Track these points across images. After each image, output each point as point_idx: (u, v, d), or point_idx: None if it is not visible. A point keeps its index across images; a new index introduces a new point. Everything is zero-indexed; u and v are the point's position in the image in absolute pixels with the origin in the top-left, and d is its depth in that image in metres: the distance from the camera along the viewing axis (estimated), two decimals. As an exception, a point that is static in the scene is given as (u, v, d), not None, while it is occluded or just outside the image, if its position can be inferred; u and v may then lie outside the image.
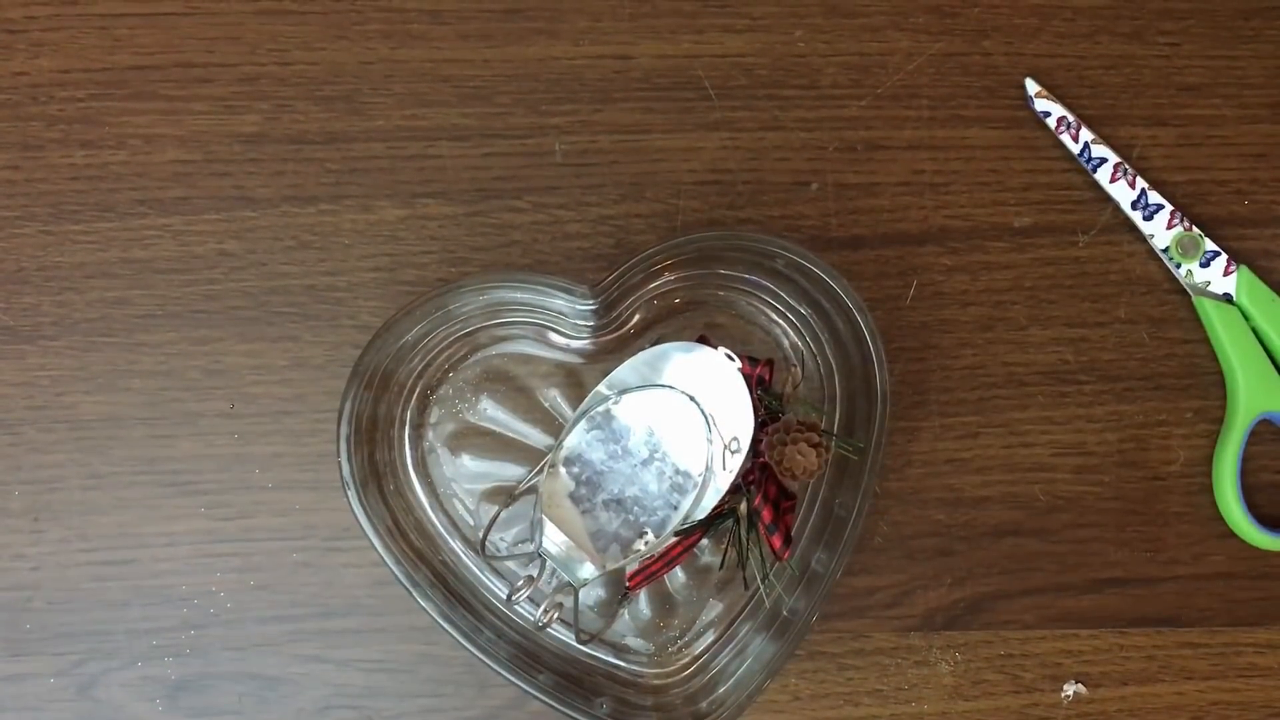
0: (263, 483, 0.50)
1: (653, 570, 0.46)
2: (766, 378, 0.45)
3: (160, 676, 0.50)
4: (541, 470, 0.44)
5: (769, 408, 0.45)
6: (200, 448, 0.50)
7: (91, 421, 0.50)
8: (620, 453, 0.44)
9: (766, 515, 0.44)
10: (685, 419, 0.44)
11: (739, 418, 0.44)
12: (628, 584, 0.46)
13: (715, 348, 0.45)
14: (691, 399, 0.44)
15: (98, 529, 0.50)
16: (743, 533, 0.45)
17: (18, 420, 0.50)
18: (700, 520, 0.44)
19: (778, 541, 0.44)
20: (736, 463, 0.44)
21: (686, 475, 0.43)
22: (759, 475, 0.45)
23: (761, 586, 0.46)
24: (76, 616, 0.50)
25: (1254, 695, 0.51)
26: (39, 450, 0.50)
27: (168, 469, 0.50)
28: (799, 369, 0.48)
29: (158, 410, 0.50)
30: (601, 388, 0.45)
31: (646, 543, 0.43)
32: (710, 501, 0.44)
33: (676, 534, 0.44)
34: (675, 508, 0.43)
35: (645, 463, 0.44)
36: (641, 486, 0.44)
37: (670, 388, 0.44)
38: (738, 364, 0.44)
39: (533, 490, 0.46)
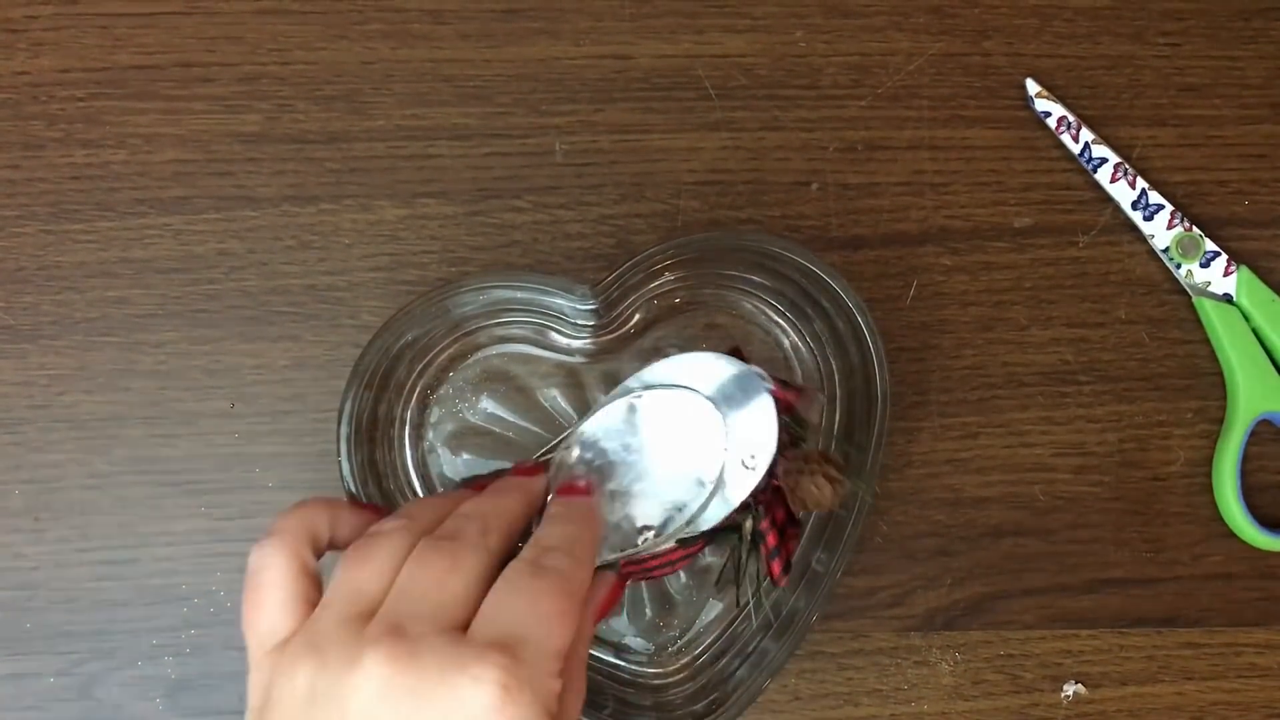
0: (263, 482, 0.50)
1: (648, 565, 0.46)
2: (794, 403, 0.45)
3: (160, 676, 0.50)
4: (557, 446, 0.44)
5: (792, 434, 0.45)
6: (201, 447, 0.50)
7: (92, 421, 0.50)
8: (635, 446, 0.44)
9: (771, 540, 0.44)
10: (704, 425, 0.44)
11: (761, 436, 0.44)
12: (620, 569, 0.45)
13: (749, 362, 0.44)
14: (715, 406, 0.44)
15: (98, 528, 0.50)
16: (743, 552, 0.45)
17: (18, 419, 0.50)
18: (704, 531, 0.44)
19: (777, 567, 0.44)
20: (751, 480, 0.43)
21: (697, 481, 0.43)
22: (770, 498, 0.45)
23: (750, 604, 0.46)
24: (77, 616, 0.50)
25: (1254, 695, 0.51)
26: (39, 449, 0.50)
27: (168, 468, 0.50)
28: (824, 396, 0.48)
29: (158, 409, 0.50)
30: (630, 381, 0.45)
31: (644, 540, 0.43)
32: (716, 513, 0.44)
33: (679, 542, 0.44)
34: (680, 510, 0.43)
35: (658, 461, 0.44)
36: (650, 483, 0.44)
37: (695, 391, 0.44)
38: (770, 385, 0.44)
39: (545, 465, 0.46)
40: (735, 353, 0.45)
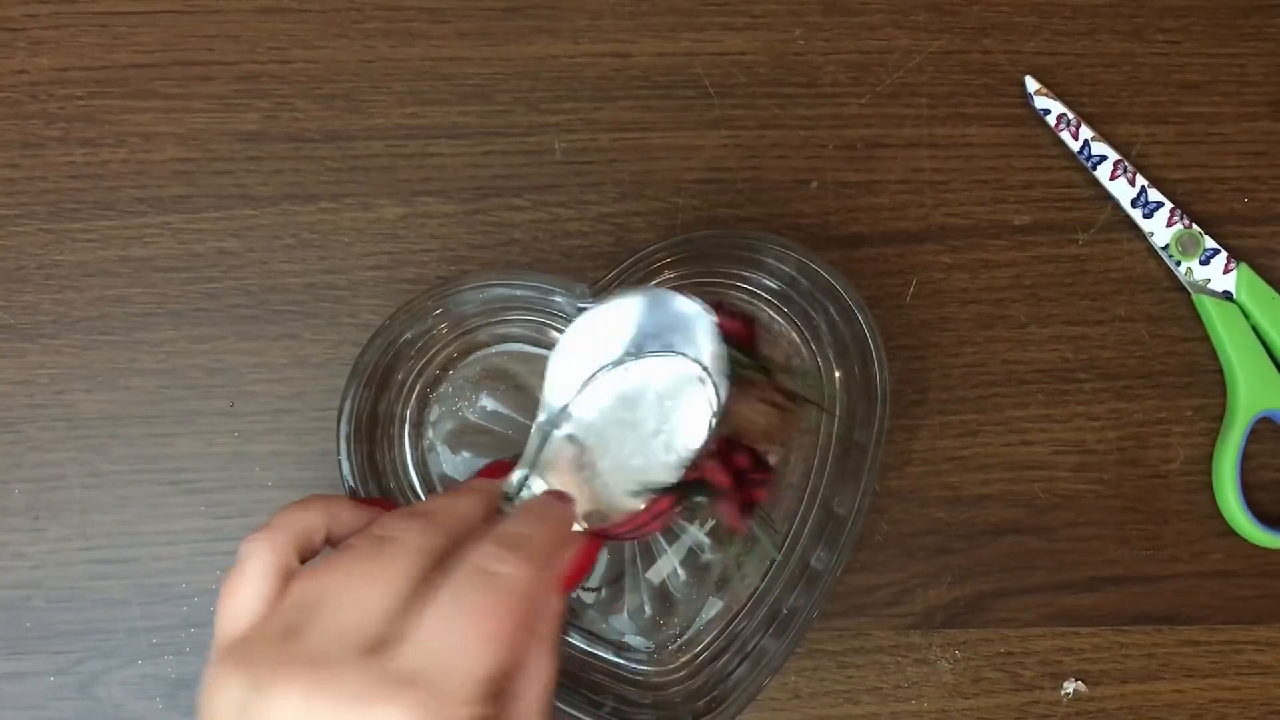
0: (263, 481, 0.50)
1: (617, 532, 0.43)
2: (741, 335, 0.43)
3: (160, 675, 0.50)
4: (549, 429, 0.44)
5: (743, 365, 0.43)
6: (200, 446, 0.50)
7: (91, 420, 0.50)
8: (628, 421, 0.43)
9: (723, 480, 0.42)
10: (694, 390, 0.42)
11: (718, 375, 0.42)
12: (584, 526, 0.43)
13: (695, 300, 0.43)
14: (705, 370, 0.42)
15: (98, 527, 0.50)
16: (706, 501, 0.43)
17: (18, 418, 0.50)
18: (669, 487, 0.42)
19: (730, 511, 0.42)
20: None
21: (690, 449, 0.42)
22: (725, 444, 0.43)
23: (735, 563, 0.45)
24: (76, 615, 0.50)
25: (1254, 693, 0.51)
26: (39, 448, 0.50)
27: (168, 467, 0.50)
28: (786, 340, 0.47)
29: (158, 408, 0.50)
30: (611, 342, 0.43)
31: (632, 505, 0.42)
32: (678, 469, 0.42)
33: (647, 500, 0.42)
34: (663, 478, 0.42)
35: (653, 433, 0.43)
36: (646, 456, 0.43)
37: (683, 355, 0.43)
38: (713, 317, 0.42)
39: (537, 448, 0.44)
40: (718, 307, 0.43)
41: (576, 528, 0.42)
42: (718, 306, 0.43)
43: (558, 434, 0.43)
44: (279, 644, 0.33)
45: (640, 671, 0.49)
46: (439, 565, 0.35)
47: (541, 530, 0.37)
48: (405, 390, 0.48)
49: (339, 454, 0.45)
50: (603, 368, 0.44)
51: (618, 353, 0.43)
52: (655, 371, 0.43)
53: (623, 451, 0.43)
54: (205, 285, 0.50)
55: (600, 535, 0.43)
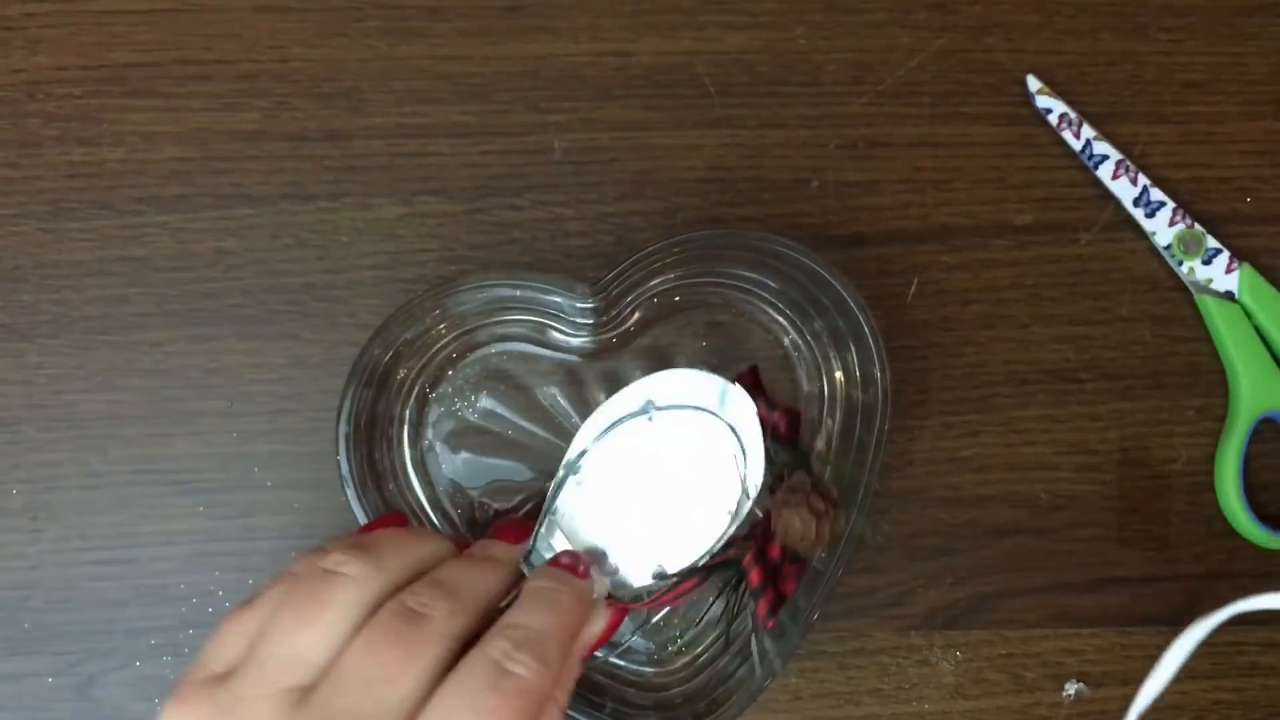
0: (261, 481, 0.50)
1: (638, 605, 0.42)
2: (782, 429, 0.42)
3: (159, 676, 0.50)
4: (568, 474, 0.41)
5: (777, 459, 0.41)
6: (199, 446, 0.50)
7: (90, 420, 0.50)
8: (646, 476, 0.41)
9: (755, 578, 0.41)
10: (720, 452, 0.40)
11: (753, 463, 0.40)
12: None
13: (762, 382, 0.41)
14: (733, 431, 0.40)
15: (96, 528, 0.50)
16: (736, 589, 0.42)
17: (15, 419, 0.50)
18: (699, 567, 0.41)
19: (762, 608, 0.41)
20: (743, 511, 0.40)
21: (712, 514, 0.40)
22: (760, 533, 0.41)
23: (754, 652, 0.43)
24: (74, 616, 0.50)
25: (1257, 694, 0.51)
26: (37, 449, 0.50)
27: (166, 468, 0.50)
28: (833, 424, 0.46)
29: (156, 409, 0.50)
30: (635, 400, 0.41)
31: (656, 575, 0.41)
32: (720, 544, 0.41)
33: (672, 578, 0.41)
34: (694, 545, 0.41)
35: (672, 493, 0.41)
36: (665, 531, 0.40)
37: (712, 414, 0.40)
38: (754, 409, 0.40)
39: (545, 491, 0.42)
40: (753, 372, 0.42)
41: (597, 590, 0.40)
42: (765, 400, 0.41)
43: (572, 479, 0.41)
44: (274, 710, 0.31)
45: (641, 673, 0.49)
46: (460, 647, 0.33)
47: (556, 620, 0.35)
48: (404, 390, 0.48)
49: (338, 454, 0.45)
50: (624, 416, 0.41)
51: (639, 404, 0.41)
52: (680, 429, 0.41)
53: (641, 522, 0.41)
54: (204, 285, 0.50)
55: (623, 606, 0.41)
